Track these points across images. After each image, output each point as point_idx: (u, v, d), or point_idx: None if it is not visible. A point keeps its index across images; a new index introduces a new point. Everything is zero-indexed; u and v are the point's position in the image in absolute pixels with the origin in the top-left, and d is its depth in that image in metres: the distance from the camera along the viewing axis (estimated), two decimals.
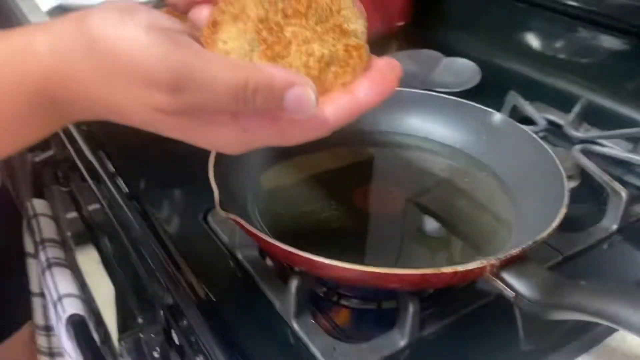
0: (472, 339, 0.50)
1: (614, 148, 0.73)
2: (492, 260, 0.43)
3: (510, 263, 0.43)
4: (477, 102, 0.88)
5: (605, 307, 0.36)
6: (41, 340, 0.93)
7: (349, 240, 0.54)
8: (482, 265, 0.42)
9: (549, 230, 0.45)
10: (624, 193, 0.62)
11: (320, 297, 0.52)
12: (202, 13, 0.41)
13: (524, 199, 0.56)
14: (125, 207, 0.68)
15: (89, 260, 0.88)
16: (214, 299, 0.54)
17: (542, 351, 0.47)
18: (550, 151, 0.55)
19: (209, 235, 0.61)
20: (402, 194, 0.60)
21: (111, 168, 0.74)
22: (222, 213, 0.47)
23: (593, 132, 0.79)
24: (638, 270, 0.59)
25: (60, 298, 0.73)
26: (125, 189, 0.71)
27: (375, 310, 0.52)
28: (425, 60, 0.98)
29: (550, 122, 0.84)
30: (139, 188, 0.70)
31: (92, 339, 0.70)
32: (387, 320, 0.50)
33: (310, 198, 0.59)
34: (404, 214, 0.57)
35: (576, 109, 0.80)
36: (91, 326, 0.72)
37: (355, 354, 0.47)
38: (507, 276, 0.43)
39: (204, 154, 0.59)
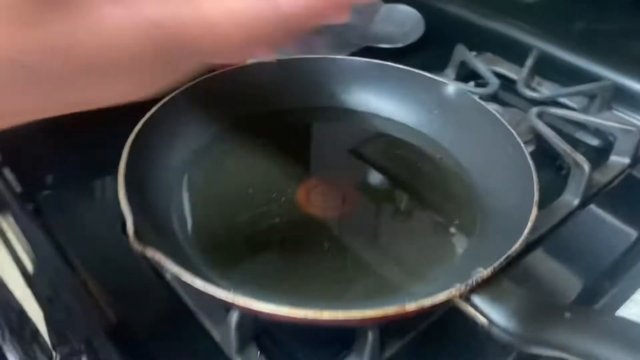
0: (439, 354, 0.45)
1: (570, 109, 0.67)
2: (462, 287, 0.37)
3: (482, 284, 0.38)
4: (423, 58, 0.82)
5: (596, 349, 0.31)
6: None
7: (296, 253, 0.46)
8: (451, 295, 0.36)
9: (521, 239, 0.40)
10: (586, 166, 0.57)
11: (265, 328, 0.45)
12: None
13: (487, 192, 0.50)
14: (19, 213, 0.58)
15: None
16: (137, 331, 0.47)
17: None
18: (515, 135, 0.49)
19: (128, 251, 0.52)
20: (349, 188, 0.53)
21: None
22: (138, 247, 0.39)
23: (547, 89, 0.74)
24: (606, 248, 0.55)
25: None
26: (18, 189, 0.60)
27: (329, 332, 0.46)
28: (363, 8, 0.88)
29: (502, 77, 0.78)
30: (35, 189, 0.60)
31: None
32: (343, 342, 0.44)
33: (245, 201, 0.50)
34: (351, 216, 0.50)
35: (529, 62, 0.74)
36: (7, 349, 0.63)
37: None
38: (479, 301, 0.37)
39: (119, 143, 0.49)
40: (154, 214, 0.46)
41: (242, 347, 0.43)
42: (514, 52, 0.79)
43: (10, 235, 0.68)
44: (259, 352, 0.44)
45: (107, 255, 0.53)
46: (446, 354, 0.45)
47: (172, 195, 0.49)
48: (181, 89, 0.54)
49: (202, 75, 0.55)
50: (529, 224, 0.41)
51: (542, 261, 0.52)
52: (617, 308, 0.47)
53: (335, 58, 0.60)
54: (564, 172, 0.62)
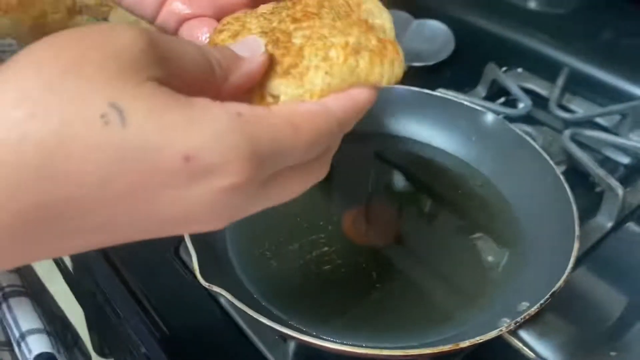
0: None
1: (602, 128, 0.69)
2: (511, 324, 0.39)
3: (529, 320, 0.40)
4: (454, 75, 0.84)
5: None
6: (4, 356, 0.87)
7: (346, 282, 0.49)
8: (500, 332, 0.39)
9: (565, 276, 0.42)
10: (620, 191, 0.59)
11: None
12: (193, 30, 0.35)
13: (528, 222, 0.52)
14: None
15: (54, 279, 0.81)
16: (189, 346, 0.50)
17: None
18: (554, 166, 0.51)
19: (181, 274, 0.55)
20: (393, 216, 0.55)
21: None
22: (205, 284, 0.42)
23: (579, 107, 0.76)
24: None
25: (23, 336, 0.67)
26: None
27: None
28: (395, 23, 0.89)
29: (533, 93, 0.79)
30: None
31: None
32: None
33: (296, 232, 0.53)
34: (397, 245, 0.52)
35: (560, 81, 0.75)
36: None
37: None
38: (526, 335, 0.40)
39: None
40: (213, 247, 0.49)
41: None
42: (545, 69, 0.81)
43: None
44: None
45: (161, 281, 0.57)
46: None
47: (227, 229, 0.52)
48: None
49: None
50: (572, 259, 0.43)
51: (583, 281, 0.54)
52: None
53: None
54: (597, 189, 0.63)
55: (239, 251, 0.50)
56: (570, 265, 0.43)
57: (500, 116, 0.59)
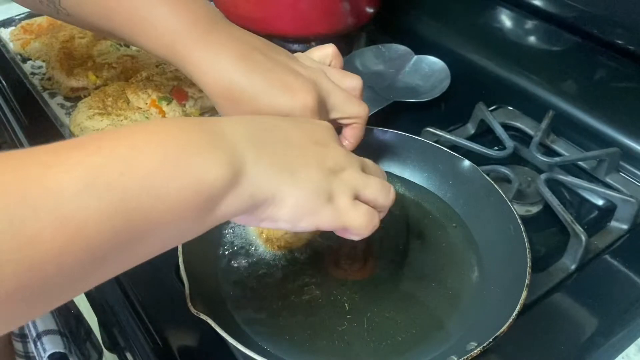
0: None
1: (578, 176, 0.74)
2: None
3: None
4: (447, 111, 0.89)
5: None
6: (18, 346, 0.95)
7: (321, 314, 0.55)
8: None
9: (509, 322, 0.47)
10: (583, 237, 0.64)
11: None
12: None
13: (489, 265, 0.57)
14: None
15: None
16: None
17: None
18: (518, 218, 0.56)
19: (179, 292, 0.62)
20: (369, 249, 0.61)
21: None
22: (194, 311, 0.48)
23: (561, 148, 0.80)
24: (596, 312, 0.62)
25: (39, 335, 0.75)
26: None
27: None
28: (395, 57, 0.95)
29: (521, 132, 0.84)
30: None
31: None
32: None
33: (282, 272, 0.59)
34: (368, 280, 0.58)
35: (544, 124, 0.80)
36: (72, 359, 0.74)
37: None
38: None
39: None
40: (206, 277, 0.55)
41: None
42: (534, 108, 0.85)
43: None
44: None
45: (161, 291, 0.63)
46: None
47: (218, 262, 0.59)
48: None
49: None
50: (518, 307, 0.49)
51: (535, 323, 0.59)
52: None
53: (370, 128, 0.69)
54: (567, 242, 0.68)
55: (229, 282, 0.57)
56: (516, 312, 0.48)
57: (481, 160, 0.65)
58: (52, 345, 0.74)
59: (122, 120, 0.72)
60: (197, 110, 0.76)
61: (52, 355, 0.73)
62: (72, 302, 1.02)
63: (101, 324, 1.02)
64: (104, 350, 1.07)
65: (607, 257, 0.67)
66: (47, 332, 0.75)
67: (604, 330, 0.60)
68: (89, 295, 0.91)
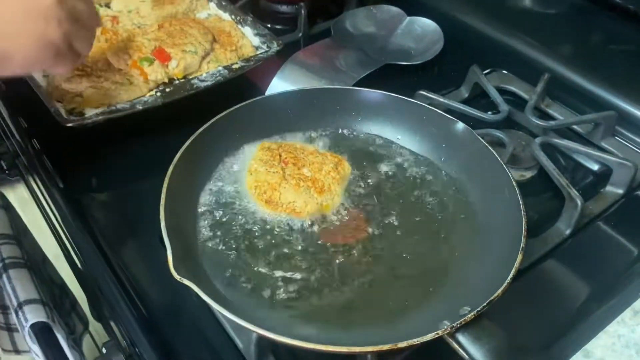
0: None
1: (576, 133, 0.72)
2: (448, 327, 0.43)
3: (466, 324, 0.44)
4: (440, 75, 0.86)
5: None
6: None
7: (311, 277, 0.53)
8: (437, 335, 0.43)
9: (503, 286, 0.46)
10: (579, 201, 0.62)
11: None
12: None
13: (485, 228, 0.56)
14: (69, 223, 0.65)
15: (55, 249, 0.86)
16: (166, 327, 0.55)
17: None
18: (513, 181, 0.54)
19: (164, 261, 0.60)
20: (361, 214, 0.59)
21: (50, 168, 0.71)
22: (177, 277, 0.46)
23: (556, 112, 0.78)
24: (591, 277, 0.60)
25: (20, 305, 0.72)
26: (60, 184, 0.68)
27: None
28: (387, 18, 0.92)
29: (516, 96, 0.82)
30: (82, 201, 0.68)
31: (58, 346, 0.70)
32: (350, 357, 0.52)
33: (272, 236, 0.57)
34: (361, 244, 0.56)
35: (539, 87, 0.77)
36: (56, 329, 0.72)
37: None
38: (462, 339, 0.44)
39: (165, 156, 0.57)
40: (188, 241, 0.53)
41: (260, 357, 0.51)
42: (529, 72, 0.83)
43: (52, 217, 0.77)
44: None
45: (144, 259, 0.61)
46: None
47: (201, 219, 0.57)
48: (221, 115, 0.61)
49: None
50: (513, 271, 0.47)
51: (528, 288, 0.58)
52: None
53: (355, 89, 0.66)
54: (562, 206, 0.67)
55: (211, 249, 0.55)
56: (511, 276, 0.47)
57: (475, 123, 0.62)
58: (34, 314, 0.72)
59: (102, 82, 0.68)
60: (181, 72, 0.73)
61: (35, 325, 0.71)
62: (55, 272, 1.00)
63: (87, 294, 1.00)
64: (90, 321, 1.05)
65: (602, 222, 0.66)
66: (29, 302, 0.73)
67: (598, 295, 0.59)
68: (73, 266, 0.89)
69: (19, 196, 0.96)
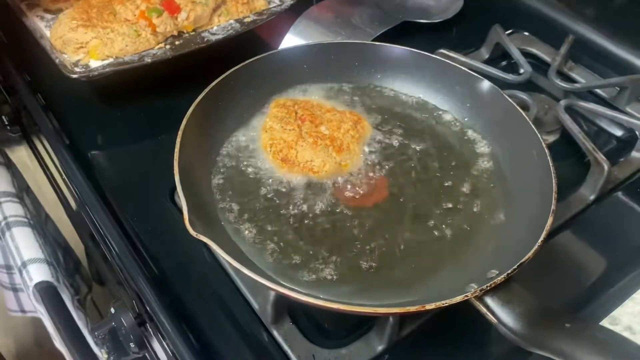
0: (451, 336, 0.50)
1: (600, 98, 0.69)
2: (477, 290, 0.42)
3: (495, 287, 0.42)
4: (459, 35, 0.83)
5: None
6: (3, 277, 0.92)
7: (329, 240, 0.51)
8: (465, 297, 0.41)
9: (534, 249, 0.44)
10: (605, 165, 0.60)
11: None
12: None
13: (511, 190, 0.54)
14: (76, 180, 0.63)
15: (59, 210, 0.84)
16: (179, 290, 0.53)
17: None
18: (542, 142, 0.52)
19: (175, 218, 0.58)
20: (382, 174, 0.57)
21: (56, 124, 0.68)
22: (193, 233, 0.44)
23: (579, 76, 0.75)
24: (615, 244, 0.59)
25: (24, 264, 0.71)
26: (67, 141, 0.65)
27: None
28: None
29: (536, 58, 0.79)
30: (88, 159, 0.65)
31: (63, 305, 0.68)
32: (367, 318, 0.50)
33: (289, 196, 0.54)
34: (382, 205, 0.54)
35: (563, 49, 0.74)
36: (60, 289, 0.71)
37: None
38: (491, 302, 0.42)
39: (175, 113, 0.54)
40: (203, 200, 0.51)
41: (277, 318, 0.49)
42: (551, 34, 0.80)
43: (57, 176, 0.74)
44: (291, 322, 0.50)
45: (155, 219, 0.59)
46: (455, 335, 0.51)
47: (215, 178, 0.54)
48: (235, 68, 0.58)
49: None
50: (544, 233, 0.45)
51: (555, 252, 0.56)
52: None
53: (374, 44, 0.63)
54: (587, 159, 0.64)
55: (226, 208, 0.52)
56: (542, 238, 0.45)
57: (496, 84, 0.60)
58: (38, 274, 0.70)
59: (108, 33, 0.65)
60: (191, 24, 0.69)
61: (39, 284, 0.69)
62: (58, 232, 0.98)
63: (89, 257, 0.98)
64: (94, 284, 1.04)
65: (627, 189, 0.64)
66: (33, 261, 0.71)
67: (624, 262, 0.57)
68: (80, 225, 0.87)
69: (18, 159, 0.93)
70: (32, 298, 0.72)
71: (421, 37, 0.79)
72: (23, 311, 0.93)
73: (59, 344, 0.74)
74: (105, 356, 0.59)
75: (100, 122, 0.69)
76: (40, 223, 0.86)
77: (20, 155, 0.93)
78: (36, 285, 0.69)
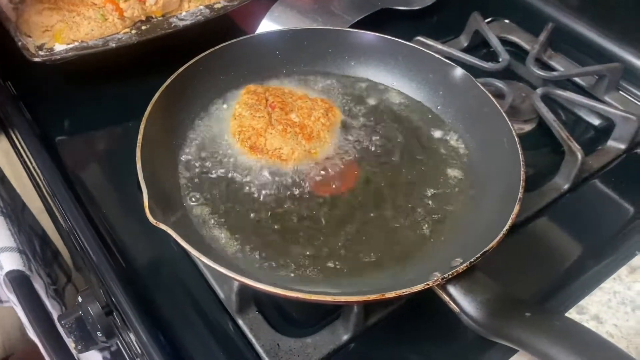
0: (417, 325, 0.50)
1: (577, 92, 0.68)
2: (439, 278, 0.41)
3: (457, 276, 0.42)
4: (438, 22, 0.82)
5: (548, 350, 0.36)
6: None
7: (293, 228, 0.50)
8: (427, 286, 0.41)
9: (498, 238, 0.44)
10: (579, 154, 0.59)
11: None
12: None
13: (480, 178, 0.53)
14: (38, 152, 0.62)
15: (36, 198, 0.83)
16: (145, 279, 0.52)
17: None
18: (513, 131, 0.51)
19: (142, 207, 0.57)
20: (350, 162, 0.56)
21: (27, 114, 0.67)
22: (153, 221, 0.43)
23: (558, 63, 0.75)
24: (587, 234, 0.58)
25: None
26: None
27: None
28: None
29: (515, 45, 0.78)
30: (57, 145, 0.64)
31: (35, 294, 0.68)
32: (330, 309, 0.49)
33: (256, 184, 0.54)
34: (349, 192, 0.53)
35: (542, 37, 0.74)
36: (33, 279, 0.70)
37: (299, 350, 0.47)
38: (453, 290, 0.42)
39: (143, 99, 0.53)
40: (168, 188, 0.50)
41: (242, 307, 0.49)
42: (531, 21, 0.79)
43: (31, 167, 0.73)
44: (257, 311, 0.49)
45: (123, 207, 0.58)
46: (421, 324, 0.50)
47: (181, 166, 0.53)
48: (203, 54, 0.57)
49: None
50: (509, 222, 0.45)
51: (522, 241, 0.56)
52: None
53: (348, 31, 0.62)
54: (562, 149, 0.64)
55: (192, 196, 0.52)
56: (506, 227, 0.44)
57: (474, 73, 0.59)
58: (9, 262, 0.69)
59: (74, 17, 0.64)
60: (159, 9, 0.68)
61: (10, 272, 0.68)
62: (35, 221, 0.97)
63: (67, 245, 0.97)
64: (73, 272, 1.03)
65: (601, 178, 0.63)
66: (4, 250, 0.70)
67: (595, 251, 0.56)
68: (52, 216, 0.86)
69: (3, 148, 0.92)
70: (3, 287, 0.71)
71: (400, 25, 0.78)
72: (0, 301, 0.93)
73: (32, 334, 0.73)
74: (73, 345, 0.58)
75: (70, 109, 0.68)
76: (15, 211, 0.85)
77: (4, 143, 0.92)
78: (7, 274, 0.68)
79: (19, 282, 0.69)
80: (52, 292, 0.78)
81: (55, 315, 0.73)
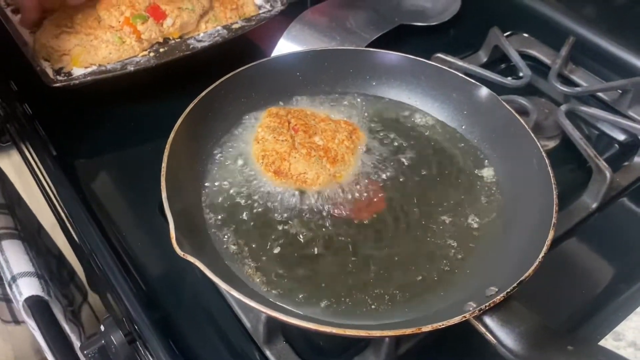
0: (450, 355, 0.49)
1: (600, 108, 0.67)
2: (475, 310, 0.40)
3: (494, 306, 0.41)
4: (457, 37, 0.81)
5: None
6: None
7: (321, 259, 0.49)
8: (464, 318, 0.40)
9: (534, 265, 0.42)
10: (608, 173, 0.58)
11: None
12: None
13: (509, 203, 0.52)
14: (62, 191, 0.61)
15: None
16: (169, 308, 0.51)
17: None
18: (542, 151, 0.50)
19: (165, 233, 0.56)
20: (377, 188, 0.55)
21: (43, 134, 0.66)
22: (180, 253, 0.42)
23: (580, 78, 0.74)
24: (619, 255, 0.57)
25: (14, 278, 0.69)
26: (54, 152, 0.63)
27: None
28: None
29: (537, 61, 0.77)
30: (75, 169, 0.63)
31: (54, 320, 0.67)
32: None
33: (281, 210, 0.53)
34: (378, 221, 0.52)
35: (563, 51, 0.73)
36: (52, 303, 0.69)
37: None
38: (490, 322, 0.41)
39: (162, 122, 0.52)
40: (192, 215, 0.49)
41: (269, 338, 0.47)
42: (551, 35, 0.78)
43: (46, 186, 0.73)
44: (284, 341, 0.48)
45: (144, 232, 0.57)
46: (454, 353, 0.49)
47: (204, 193, 0.53)
48: (226, 76, 0.57)
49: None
50: (544, 249, 0.43)
51: (554, 267, 0.54)
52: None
53: (369, 50, 0.61)
54: (588, 164, 0.62)
55: (216, 224, 0.51)
56: (542, 254, 0.43)
57: (495, 89, 0.58)
58: (28, 288, 0.68)
59: (91, 40, 0.63)
60: (177, 31, 0.67)
61: (29, 299, 0.67)
62: (52, 242, 0.96)
63: (83, 265, 0.97)
64: (89, 292, 1.02)
65: (630, 196, 0.62)
66: (23, 275, 0.69)
67: (628, 274, 0.55)
68: (69, 236, 0.86)
69: (14, 162, 0.91)
70: (22, 312, 0.70)
71: (418, 41, 0.77)
72: (16, 322, 0.92)
73: (51, 358, 0.73)
74: None
75: (88, 131, 0.67)
76: (32, 234, 0.84)
77: (16, 158, 0.92)
78: (26, 299, 0.67)
79: (38, 307, 0.68)
80: (70, 315, 0.77)
81: (73, 339, 0.72)
